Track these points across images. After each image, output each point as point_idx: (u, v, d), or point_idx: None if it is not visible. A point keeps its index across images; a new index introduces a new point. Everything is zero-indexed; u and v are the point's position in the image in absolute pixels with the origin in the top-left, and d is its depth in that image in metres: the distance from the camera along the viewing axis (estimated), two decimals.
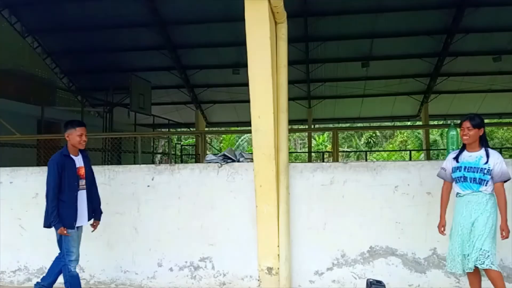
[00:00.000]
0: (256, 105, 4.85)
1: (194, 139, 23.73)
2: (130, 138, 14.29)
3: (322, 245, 5.18)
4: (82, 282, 5.12)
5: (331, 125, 20.43)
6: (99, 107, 17.67)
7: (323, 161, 17.52)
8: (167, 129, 21.30)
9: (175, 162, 18.57)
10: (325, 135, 29.73)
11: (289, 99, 16.99)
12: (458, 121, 4.45)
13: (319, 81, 17.93)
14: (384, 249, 5.07)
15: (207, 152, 15.10)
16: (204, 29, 14.92)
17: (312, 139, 25.13)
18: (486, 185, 4.10)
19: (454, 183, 4.29)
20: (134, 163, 11.19)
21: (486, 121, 17.44)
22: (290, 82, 17.27)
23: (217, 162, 5.29)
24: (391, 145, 30.94)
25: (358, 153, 28.40)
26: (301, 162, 17.34)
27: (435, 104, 18.55)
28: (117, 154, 15.05)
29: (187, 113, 20.23)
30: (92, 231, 4.69)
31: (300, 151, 31.66)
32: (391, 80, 17.58)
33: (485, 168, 4.10)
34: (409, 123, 21.42)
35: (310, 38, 15.65)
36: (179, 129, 22.13)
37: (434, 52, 16.28)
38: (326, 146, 29.70)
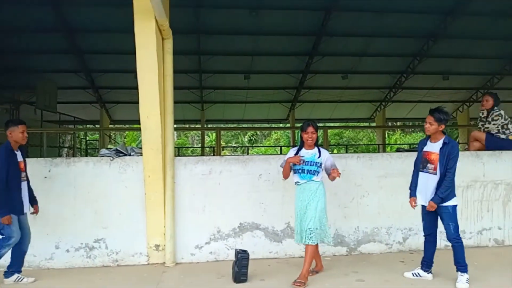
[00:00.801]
0: (144, 107, 4.74)
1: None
2: (37, 133, 12.99)
3: (202, 224, 5.23)
4: None
5: (222, 125, 20.61)
6: (6, 104, 15.79)
7: (213, 155, 17.72)
8: (73, 126, 19.77)
9: (80, 155, 17.32)
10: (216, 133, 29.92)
11: (185, 102, 16.42)
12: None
13: (210, 88, 18.00)
14: (251, 224, 5.28)
15: (110, 147, 14.30)
16: (108, 37, 14.10)
17: (206, 136, 25.11)
18: (317, 175, 4.39)
19: (293, 173, 4.42)
20: (41, 156, 10.21)
21: (336, 124, 18.75)
22: (186, 88, 16.90)
23: (110, 156, 5.05)
24: (268, 142, 32.15)
25: (243, 148, 29.08)
26: (197, 155, 17.27)
27: (300, 110, 19.71)
28: (24, 148, 13.59)
29: (92, 112, 18.96)
30: (35, 216, 4.62)
31: (196, 146, 31.46)
32: (267, 90, 18.27)
33: (319, 162, 4.40)
34: (281, 125, 22.46)
35: (202, 52, 15.62)
36: (84, 126, 20.67)
37: (299, 70, 17.25)
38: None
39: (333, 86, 18.14)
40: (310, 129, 4.41)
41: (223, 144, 28.53)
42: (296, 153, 4.46)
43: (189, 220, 5.19)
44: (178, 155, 7.05)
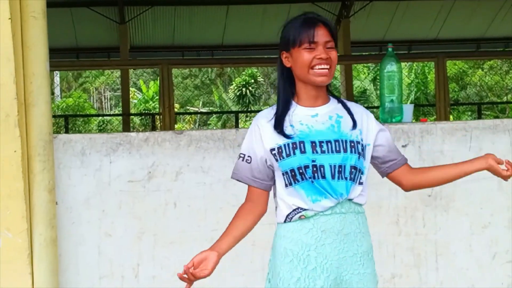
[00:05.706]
0: None
1: None
2: None
3: None
4: None
5: (173, 58, 8.28)
6: None
7: (155, 130, 7.71)
8: None
9: None
10: None
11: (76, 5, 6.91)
12: None
13: None
14: None
15: None
16: None
17: (134, 89, 16.73)
18: (358, 185, 1.40)
19: (280, 184, 1.42)
20: None
21: (456, 49, 8.76)
22: None
23: None
24: None
25: (222, 116, 15.23)
26: (112, 132, 7.02)
27: (361, 23, 7.86)
28: None
29: None
30: None
31: (112, 114, 17.22)
32: None
33: (360, 141, 1.40)
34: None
35: None
36: None
37: None
38: None
39: None
40: (322, 32, 1.23)
41: (177, 107, 12.73)
42: (277, 125, 1.28)
43: None
44: (65, 132, 3.23)
